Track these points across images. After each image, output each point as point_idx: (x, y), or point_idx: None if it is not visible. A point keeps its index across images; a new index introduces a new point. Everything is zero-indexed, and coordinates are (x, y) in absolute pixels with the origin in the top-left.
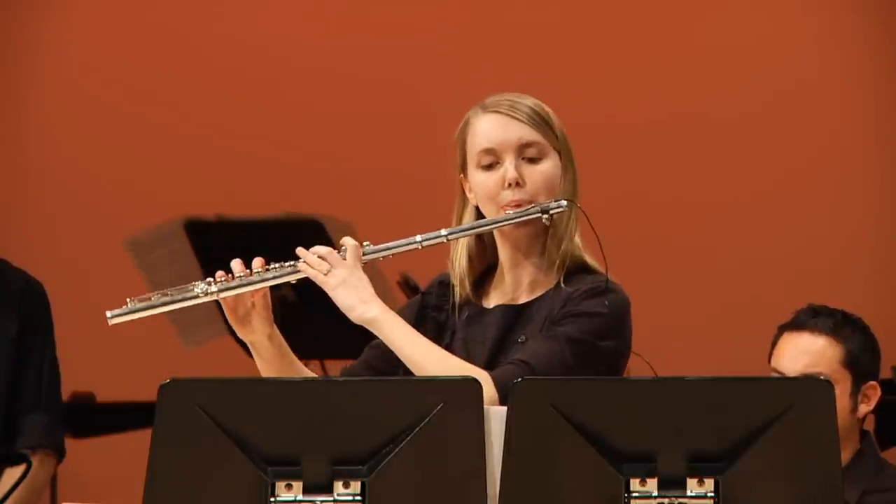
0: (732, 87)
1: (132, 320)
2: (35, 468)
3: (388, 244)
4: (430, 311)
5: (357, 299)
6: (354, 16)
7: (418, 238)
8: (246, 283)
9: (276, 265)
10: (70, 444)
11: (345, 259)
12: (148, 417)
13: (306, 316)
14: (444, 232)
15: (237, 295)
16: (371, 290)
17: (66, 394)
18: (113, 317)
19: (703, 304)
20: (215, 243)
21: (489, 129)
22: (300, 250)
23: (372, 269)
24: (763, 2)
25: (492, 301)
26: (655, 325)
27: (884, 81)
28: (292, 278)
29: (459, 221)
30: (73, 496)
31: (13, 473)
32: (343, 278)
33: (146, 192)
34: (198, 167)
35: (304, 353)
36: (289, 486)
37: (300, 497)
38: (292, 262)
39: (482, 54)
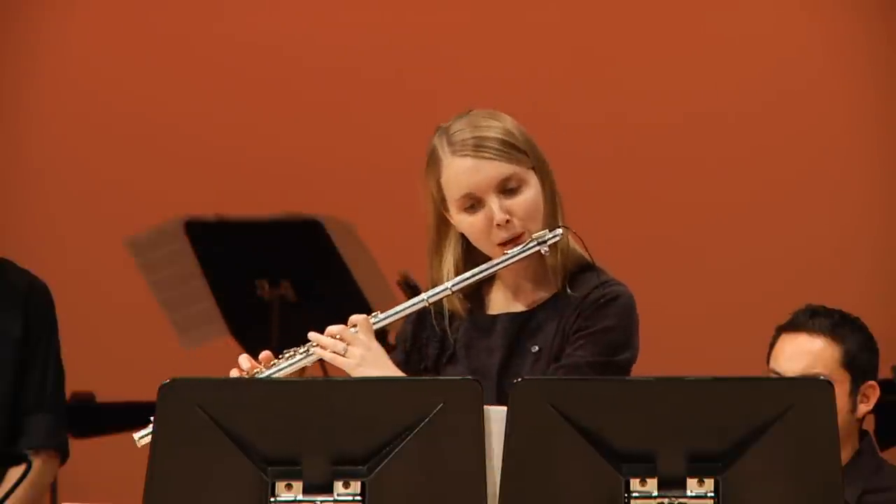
0: (733, 88)
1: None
2: (38, 468)
3: (396, 308)
4: (430, 318)
5: (380, 375)
6: (354, 15)
7: (425, 296)
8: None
9: (290, 351)
10: (70, 444)
11: (357, 334)
12: (148, 417)
13: (306, 316)
14: (448, 285)
15: None
16: (390, 361)
17: (66, 394)
18: (140, 438)
19: (703, 304)
20: (215, 243)
21: (463, 174)
22: (312, 334)
23: (372, 270)
24: (764, 2)
25: (492, 308)
26: (655, 325)
27: (884, 81)
28: (308, 362)
29: (440, 248)
30: (73, 496)
31: (16, 474)
32: (361, 356)
33: (146, 192)
34: (198, 167)
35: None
36: (289, 486)
37: (300, 497)
38: (305, 347)
39: (483, 54)
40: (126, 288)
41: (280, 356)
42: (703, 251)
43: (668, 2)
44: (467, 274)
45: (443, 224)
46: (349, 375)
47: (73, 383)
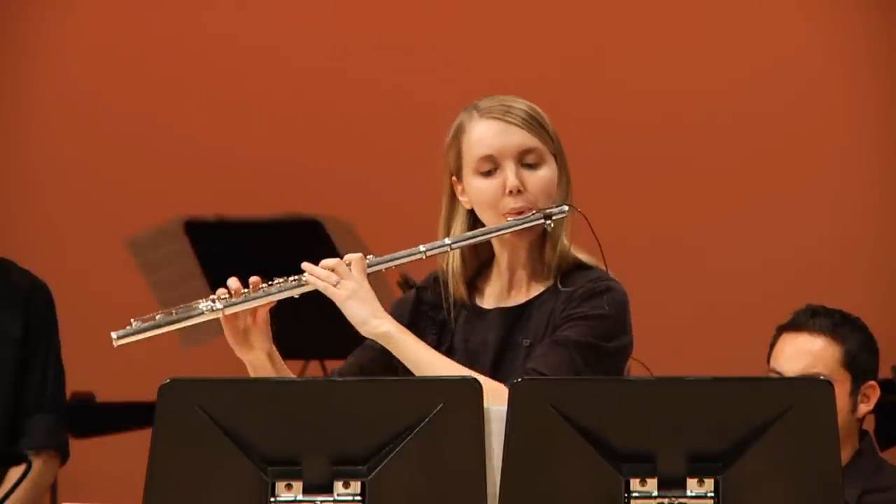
0: (733, 88)
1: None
2: (39, 469)
3: (391, 255)
4: (428, 308)
5: (369, 313)
6: (354, 16)
7: (422, 248)
8: (252, 299)
9: (281, 279)
10: (70, 444)
11: (350, 271)
12: (148, 417)
13: (306, 316)
14: (447, 241)
15: (238, 312)
16: (378, 303)
17: (66, 394)
18: (118, 338)
19: (703, 304)
20: (215, 243)
21: (487, 135)
22: (306, 265)
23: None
24: (764, 2)
25: (487, 301)
26: (655, 325)
27: (884, 81)
28: (297, 292)
29: (449, 224)
30: (73, 496)
31: (16, 474)
32: (353, 290)
33: (146, 192)
34: (198, 167)
35: (304, 353)
36: (289, 486)
37: (300, 497)
38: (297, 276)
39: (482, 54)
40: (126, 288)
41: (270, 283)
42: (703, 251)
43: (667, 2)
44: (467, 234)
45: (453, 202)
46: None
47: (73, 383)
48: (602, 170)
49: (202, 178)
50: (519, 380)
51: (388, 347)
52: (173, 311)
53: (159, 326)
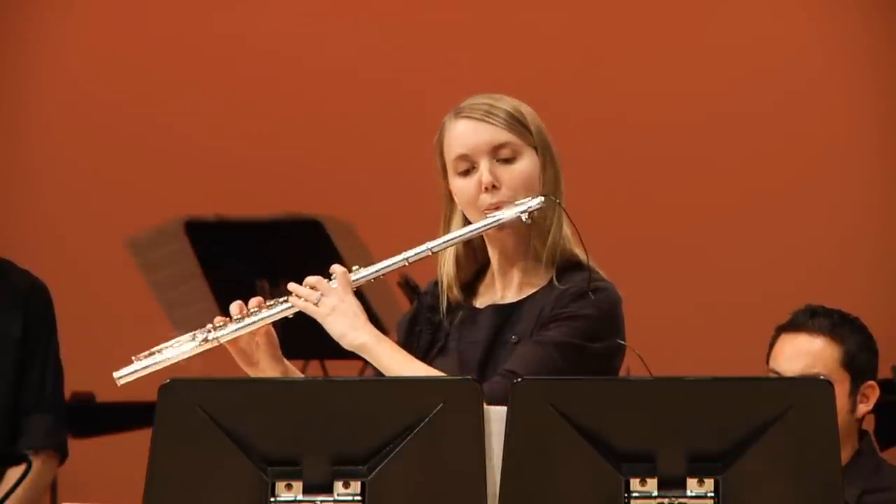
0: (733, 88)
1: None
2: (38, 469)
3: (376, 265)
4: (426, 311)
5: (348, 326)
6: (354, 16)
7: (405, 255)
8: (244, 326)
9: (272, 301)
10: (70, 444)
11: (334, 286)
12: (148, 417)
13: (306, 316)
14: (429, 245)
15: (238, 337)
16: (362, 315)
17: (66, 394)
18: (121, 378)
19: (702, 304)
20: (215, 243)
21: (461, 134)
22: (291, 285)
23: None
24: (765, 2)
25: (482, 301)
26: (654, 325)
27: (884, 81)
28: (287, 313)
29: (447, 226)
30: (73, 496)
31: (15, 474)
32: (333, 306)
33: (146, 192)
34: (198, 167)
35: (304, 353)
36: (289, 486)
37: (300, 497)
38: (284, 298)
39: (482, 54)
40: (126, 288)
41: (265, 305)
42: (703, 251)
43: (667, 3)
44: (446, 237)
45: (450, 203)
46: (345, 376)
47: (73, 383)
48: (601, 169)
49: (202, 178)
50: (518, 380)
51: (366, 358)
52: (172, 344)
53: (159, 363)
